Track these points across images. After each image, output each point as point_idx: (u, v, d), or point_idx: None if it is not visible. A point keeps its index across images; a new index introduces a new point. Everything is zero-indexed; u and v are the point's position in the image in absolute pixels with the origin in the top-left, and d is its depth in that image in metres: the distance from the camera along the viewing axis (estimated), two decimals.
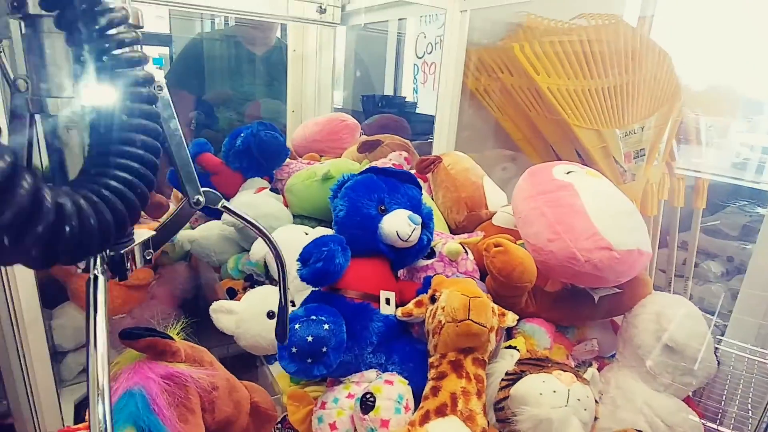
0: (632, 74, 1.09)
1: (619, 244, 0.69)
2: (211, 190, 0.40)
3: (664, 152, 1.18)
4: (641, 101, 1.11)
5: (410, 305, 0.69)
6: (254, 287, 0.95)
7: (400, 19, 2.12)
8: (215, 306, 0.80)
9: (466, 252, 0.82)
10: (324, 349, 0.60)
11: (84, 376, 1.09)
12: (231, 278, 1.03)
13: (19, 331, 0.86)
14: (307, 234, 0.90)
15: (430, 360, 0.65)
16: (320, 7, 1.45)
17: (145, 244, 0.36)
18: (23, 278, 0.83)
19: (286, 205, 1.10)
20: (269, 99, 1.72)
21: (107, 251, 0.32)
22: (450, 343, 0.62)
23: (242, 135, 1.13)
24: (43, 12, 0.27)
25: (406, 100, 1.96)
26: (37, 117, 0.31)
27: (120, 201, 0.27)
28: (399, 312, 0.69)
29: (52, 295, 1.05)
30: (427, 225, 0.75)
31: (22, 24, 0.28)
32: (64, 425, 0.96)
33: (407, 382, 0.64)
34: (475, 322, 0.61)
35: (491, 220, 0.95)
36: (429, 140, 1.59)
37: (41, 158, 0.34)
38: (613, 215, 0.72)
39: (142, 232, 0.36)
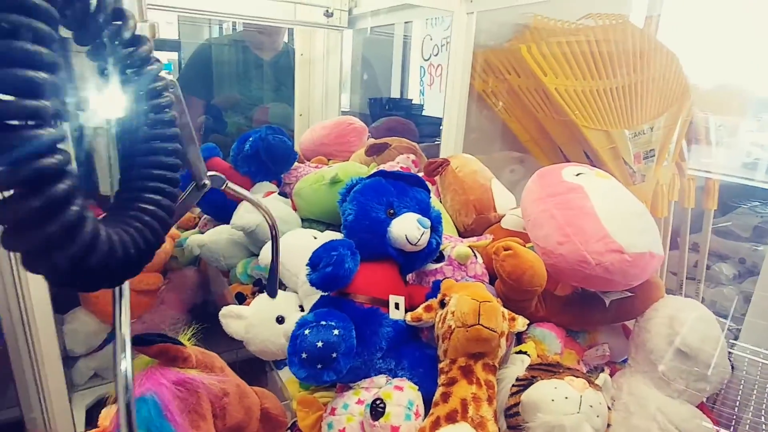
0: (641, 74, 1.08)
1: (631, 247, 0.68)
2: (216, 173, 0.43)
3: (674, 152, 1.17)
4: (650, 101, 1.10)
5: (419, 310, 0.68)
6: (263, 292, 0.95)
7: (406, 22, 2.13)
8: (224, 311, 0.81)
9: (475, 255, 0.81)
10: (334, 355, 0.60)
11: (95, 381, 1.11)
12: (240, 283, 1.03)
13: (32, 335, 0.87)
14: (315, 238, 0.90)
15: (440, 365, 0.64)
16: (327, 11, 1.46)
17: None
18: (36, 284, 0.84)
19: (295, 209, 1.10)
20: (277, 103, 1.73)
21: None
22: (460, 348, 0.62)
23: (251, 139, 1.14)
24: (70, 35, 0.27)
25: (413, 102, 1.96)
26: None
27: (155, 221, 0.28)
28: (408, 317, 0.69)
29: (63, 301, 1.07)
30: (436, 228, 0.75)
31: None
32: (75, 430, 0.96)
33: (417, 387, 0.63)
34: (486, 327, 0.61)
35: (500, 222, 0.94)
36: (436, 142, 1.59)
37: None
38: (624, 217, 0.72)
39: None
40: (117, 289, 0.35)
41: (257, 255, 1.01)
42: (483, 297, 0.64)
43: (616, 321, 0.81)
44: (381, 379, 0.66)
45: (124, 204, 0.31)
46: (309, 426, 0.66)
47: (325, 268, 0.65)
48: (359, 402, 0.64)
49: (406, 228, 0.71)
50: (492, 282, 0.79)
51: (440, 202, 1.05)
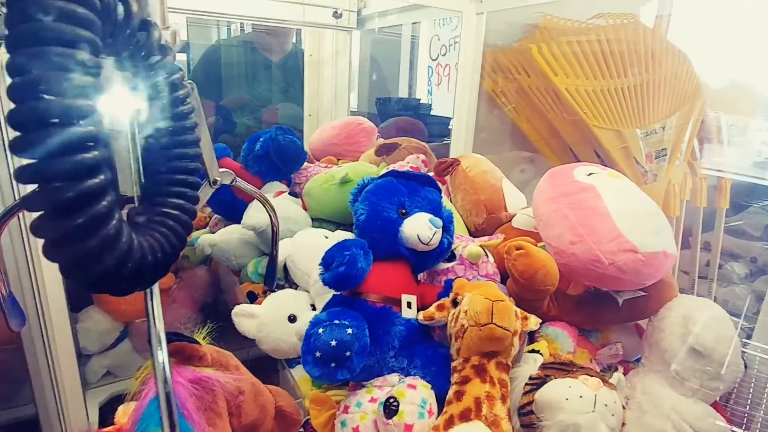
0: (652, 73, 1.08)
1: (644, 246, 0.68)
2: (225, 170, 0.46)
3: (685, 152, 1.16)
4: (662, 100, 1.09)
5: (432, 309, 0.69)
6: (274, 291, 0.95)
7: (413, 23, 2.13)
8: (237, 310, 0.81)
9: (487, 255, 0.81)
10: (348, 354, 0.60)
11: (108, 379, 1.12)
12: (251, 282, 1.04)
13: (48, 333, 0.88)
14: (327, 238, 0.91)
15: (453, 364, 0.65)
16: (336, 12, 1.46)
17: None
18: (52, 282, 0.85)
19: (305, 209, 1.11)
20: (286, 104, 1.74)
21: None
22: (473, 347, 0.62)
23: (261, 139, 1.14)
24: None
25: (421, 102, 1.96)
26: None
27: (180, 225, 0.29)
28: (421, 316, 0.69)
29: (76, 299, 1.08)
30: (447, 228, 0.75)
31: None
32: (89, 426, 0.97)
33: (430, 386, 0.64)
34: (499, 326, 0.61)
35: (511, 222, 0.94)
36: (444, 142, 1.59)
37: None
38: (637, 217, 0.71)
39: None
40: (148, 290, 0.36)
41: (268, 254, 1.01)
42: (496, 296, 0.64)
43: (629, 320, 0.80)
44: (394, 377, 0.66)
45: (150, 209, 0.32)
46: (322, 424, 0.67)
47: (338, 268, 0.66)
48: (372, 400, 0.64)
49: (418, 228, 0.71)
50: (504, 281, 0.79)
51: (450, 201, 1.05)
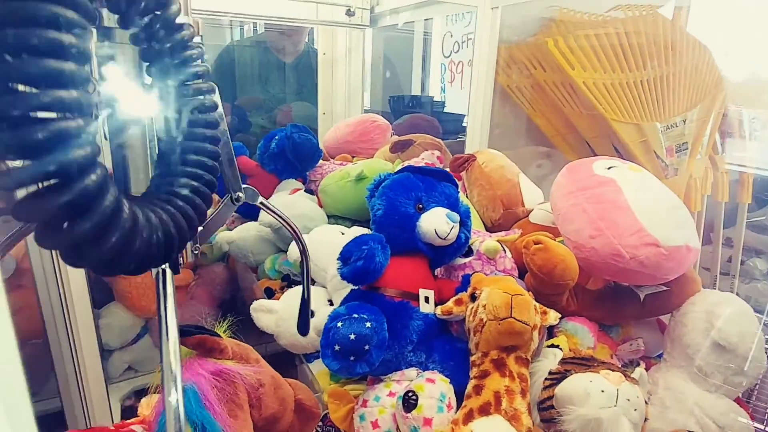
0: (672, 65, 1.06)
1: (667, 240, 0.67)
2: (249, 187, 0.43)
3: (707, 146, 1.14)
4: (682, 93, 1.07)
5: (450, 303, 0.68)
6: (291, 287, 0.96)
7: (426, 19, 2.12)
8: (255, 305, 0.82)
9: (504, 250, 0.81)
10: (366, 347, 0.60)
11: (129, 374, 1.14)
12: (268, 278, 1.05)
13: (72, 329, 0.91)
14: (343, 234, 0.91)
15: (472, 358, 0.64)
16: (349, 9, 1.47)
17: (193, 240, 0.38)
18: (75, 279, 0.87)
19: (320, 206, 1.11)
20: (300, 102, 1.75)
21: None
22: (492, 341, 0.62)
23: (276, 138, 1.15)
24: (116, 25, 0.28)
25: (434, 99, 1.96)
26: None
27: (191, 207, 0.28)
28: (439, 310, 0.69)
29: (98, 296, 1.10)
30: (464, 223, 0.75)
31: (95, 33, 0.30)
32: (112, 420, 1.00)
33: (449, 380, 0.64)
34: (518, 320, 0.60)
35: (528, 217, 0.93)
36: (458, 139, 1.58)
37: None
38: (659, 210, 0.70)
39: None
40: (160, 270, 0.34)
41: (285, 251, 1.02)
42: (515, 290, 0.63)
43: (650, 315, 0.79)
44: (412, 371, 0.67)
45: (162, 185, 0.31)
46: (341, 418, 0.67)
47: (356, 262, 0.66)
48: (391, 394, 0.64)
49: (436, 222, 0.71)
50: (521, 276, 0.78)
51: (466, 197, 1.05)
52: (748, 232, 1.32)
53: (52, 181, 0.20)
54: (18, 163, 0.19)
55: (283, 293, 0.90)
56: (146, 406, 0.60)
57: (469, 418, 0.58)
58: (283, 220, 0.50)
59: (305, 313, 0.56)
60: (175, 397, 0.31)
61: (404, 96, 1.91)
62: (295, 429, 0.63)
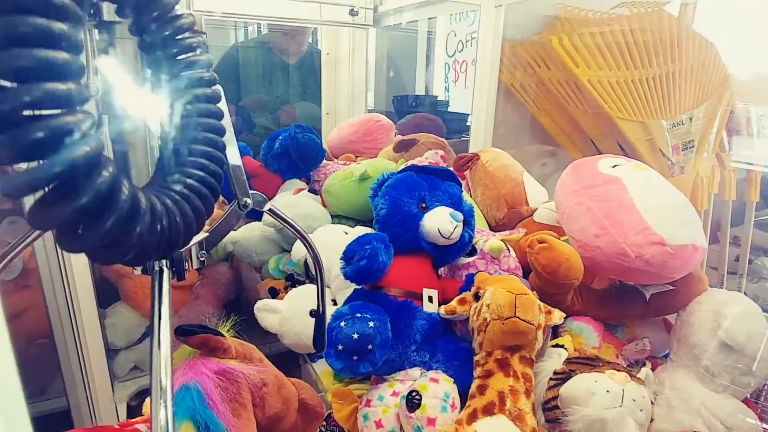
0: (678, 63, 1.05)
1: (673, 239, 0.66)
2: (258, 192, 0.42)
3: (714, 143, 1.12)
4: (688, 91, 1.06)
5: (453, 303, 0.68)
6: (295, 287, 0.96)
7: (429, 18, 2.12)
8: (259, 305, 0.82)
9: (508, 249, 0.80)
10: (370, 347, 0.60)
11: (135, 373, 1.15)
12: (272, 278, 1.05)
13: (78, 329, 0.91)
14: (346, 233, 0.91)
15: (476, 358, 0.64)
16: (352, 9, 1.47)
17: (199, 245, 0.38)
18: (81, 279, 0.88)
19: (324, 206, 1.11)
20: (304, 102, 1.76)
21: None
22: (496, 340, 0.61)
23: (280, 138, 1.16)
24: (116, 19, 0.28)
25: (438, 99, 1.95)
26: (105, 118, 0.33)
27: (197, 197, 0.28)
28: (442, 310, 0.69)
29: (104, 296, 1.11)
30: (468, 222, 0.75)
31: (95, 32, 0.30)
32: (118, 419, 1.00)
33: (452, 380, 0.63)
34: (522, 320, 0.60)
35: (532, 216, 0.93)
36: (462, 138, 1.57)
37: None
38: (665, 209, 0.70)
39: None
40: (156, 269, 0.33)
41: (289, 251, 1.02)
42: (519, 289, 0.63)
43: (656, 315, 0.78)
44: (416, 371, 0.66)
45: (166, 177, 0.29)
46: (344, 417, 0.67)
47: (359, 262, 0.66)
48: (394, 394, 0.64)
49: (439, 221, 0.71)
50: (526, 276, 0.78)
51: (470, 196, 1.04)
52: (756, 230, 1.30)
53: (63, 184, 0.18)
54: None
55: (286, 293, 0.90)
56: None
57: (473, 418, 0.58)
58: (294, 228, 0.47)
59: (321, 327, 0.53)
60: (164, 415, 0.29)
61: (408, 96, 1.91)
62: (299, 428, 0.63)
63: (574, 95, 1.14)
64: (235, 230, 1.17)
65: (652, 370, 0.72)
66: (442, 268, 0.80)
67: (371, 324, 0.61)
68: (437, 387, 0.60)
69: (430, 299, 0.70)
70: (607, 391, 0.55)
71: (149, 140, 0.32)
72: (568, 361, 0.63)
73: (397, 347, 0.66)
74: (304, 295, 0.84)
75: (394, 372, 0.67)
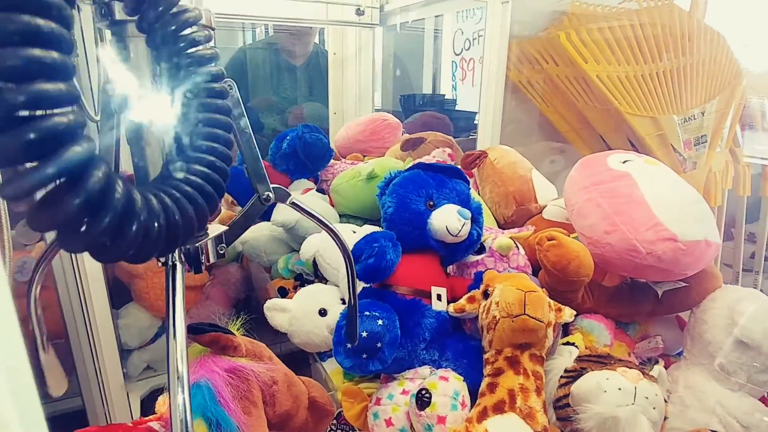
0: (689, 56, 1.03)
1: (685, 235, 0.65)
2: (279, 186, 0.40)
3: (727, 138, 1.11)
4: (700, 85, 1.04)
5: (462, 301, 0.68)
6: (304, 286, 0.97)
7: (436, 16, 2.11)
8: (269, 304, 0.83)
9: (517, 247, 0.80)
10: (379, 345, 0.60)
11: (148, 373, 1.16)
12: (281, 278, 1.06)
13: (92, 329, 0.93)
14: (354, 232, 0.91)
15: (485, 356, 0.64)
16: (359, 9, 1.47)
17: (218, 239, 0.38)
18: (94, 280, 0.89)
19: (332, 205, 1.12)
20: (311, 103, 1.76)
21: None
22: (506, 338, 0.61)
23: (288, 138, 1.16)
24: (127, 18, 0.29)
25: (446, 97, 1.95)
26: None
27: (200, 194, 0.28)
28: (451, 308, 0.69)
29: (117, 296, 1.12)
30: (476, 220, 0.74)
31: (107, 32, 0.30)
32: (132, 417, 1.01)
33: (462, 378, 0.63)
34: (532, 317, 0.60)
35: (541, 213, 0.92)
36: (470, 137, 1.57)
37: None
38: (677, 204, 0.69)
39: (215, 227, 0.37)
40: (169, 264, 0.33)
41: (297, 250, 1.03)
42: (528, 287, 0.63)
43: (669, 312, 0.77)
44: (425, 369, 0.66)
45: (169, 174, 0.29)
46: (355, 416, 0.67)
47: (367, 260, 0.66)
48: (404, 392, 0.64)
49: (447, 219, 0.71)
50: (535, 274, 0.77)
51: (478, 195, 1.04)
52: None
53: (57, 185, 0.19)
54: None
55: (296, 292, 0.90)
56: (164, 404, 0.61)
57: (483, 416, 0.57)
58: (319, 220, 0.47)
59: (352, 319, 0.51)
60: (182, 398, 0.30)
61: (415, 94, 1.91)
62: (309, 426, 0.63)
63: (582, 91, 1.13)
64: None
65: (665, 368, 0.71)
66: (451, 267, 0.80)
67: (380, 322, 0.61)
68: (447, 385, 0.60)
69: (439, 297, 0.70)
70: (619, 389, 0.54)
71: (161, 137, 0.32)
72: (580, 359, 0.63)
73: (407, 345, 0.66)
74: (314, 295, 0.84)
75: (404, 370, 0.67)
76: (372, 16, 1.51)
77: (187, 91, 0.29)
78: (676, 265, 0.67)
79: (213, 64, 0.30)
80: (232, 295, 1.21)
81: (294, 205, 0.41)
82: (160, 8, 0.26)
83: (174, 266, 0.32)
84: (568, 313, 0.66)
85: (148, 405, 1.07)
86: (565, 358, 0.65)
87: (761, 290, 1.24)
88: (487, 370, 0.62)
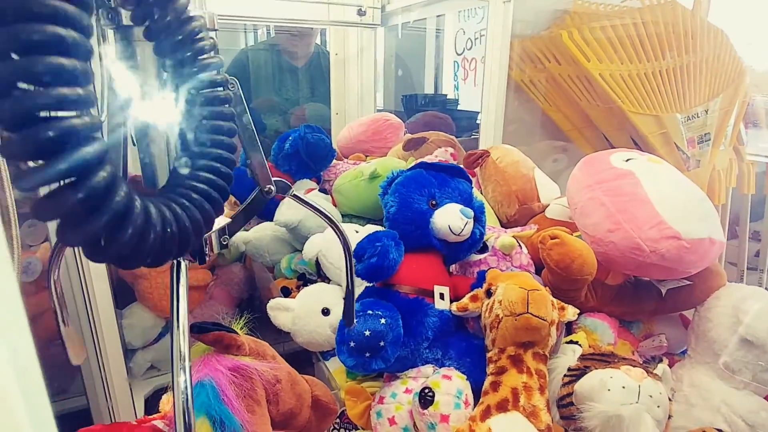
0: (692, 54, 1.03)
1: (689, 233, 0.65)
2: (281, 179, 0.42)
3: (731, 136, 1.10)
4: (703, 82, 1.04)
5: (465, 300, 0.68)
6: (307, 285, 0.97)
7: (438, 16, 2.11)
8: (272, 303, 0.83)
9: (520, 246, 0.80)
10: (382, 343, 0.60)
11: (151, 373, 1.17)
12: (284, 277, 1.06)
13: (96, 329, 0.93)
14: (357, 232, 0.91)
15: (489, 355, 0.64)
16: (360, 9, 1.47)
17: (221, 231, 0.38)
18: (99, 280, 0.89)
19: (335, 205, 1.12)
20: (313, 103, 1.77)
21: None
22: (509, 337, 0.61)
23: (290, 138, 1.16)
24: (134, 24, 0.29)
25: (448, 97, 1.95)
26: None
27: (206, 200, 0.28)
28: (454, 307, 0.69)
29: (120, 296, 1.13)
30: (479, 219, 0.74)
31: (113, 35, 0.31)
32: (136, 416, 1.02)
33: (465, 377, 0.63)
34: (535, 316, 0.59)
35: (544, 212, 0.92)
36: (472, 137, 1.57)
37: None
38: (680, 202, 0.68)
39: (219, 219, 0.38)
40: (174, 272, 0.35)
41: (300, 250, 1.03)
42: (531, 285, 0.62)
43: (673, 311, 0.77)
44: (428, 368, 0.66)
45: (177, 182, 0.30)
46: (358, 415, 0.67)
47: (370, 259, 0.66)
48: (407, 391, 0.64)
49: (449, 218, 0.71)
50: (538, 273, 0.77)
51: (481, 193, 1.04)
52: None
53: (66, 180, 0.20)
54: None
55: (299, 292, 0.90)
56: (168, 403, 0.61)
57: (486, 414, 0.57)
58: (318, 210, 0.49)
59: (350, 303, 0.53)
60: (184, 379, 0.31)
61: (417, 94, 1.91)
62: (313, 425, 0.64)
63: (585, 90, 1.12)
64: (247, 230, 1.18)
65: (670, 366, 0.71)
66: (454, 266, 0.80)
67: (383, 321, 0.61)
68: (450, 384, 0.60)
69: (442, 296, 0.70)
70: (623, 387, 0.54)
71: (166, 140, 0.33)
72: (583, 357, 0.63)
73: (410, 344, 0.66)
74: (316, 294, 0.84)
75: (407, 369, 0.67)
76: (373, 17, 1.51)
77: (192, 97, 0.29)
78: (679, 264, 0.67)
79: (217, 72, 0.30)
80: (235, 294, 1.22)
81: (295, 197, 0.44)
82: (168, 18, 0.27)
83: (179, 263, 0.32)
84: (571, 312, 0.65)
85: (151, 405, 1.07)
86: (569, 356, 0.65)
87: (766, 288, 1.24)
88: (491, 368, 0.62)
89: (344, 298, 0.52)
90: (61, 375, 1.16)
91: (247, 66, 1.75)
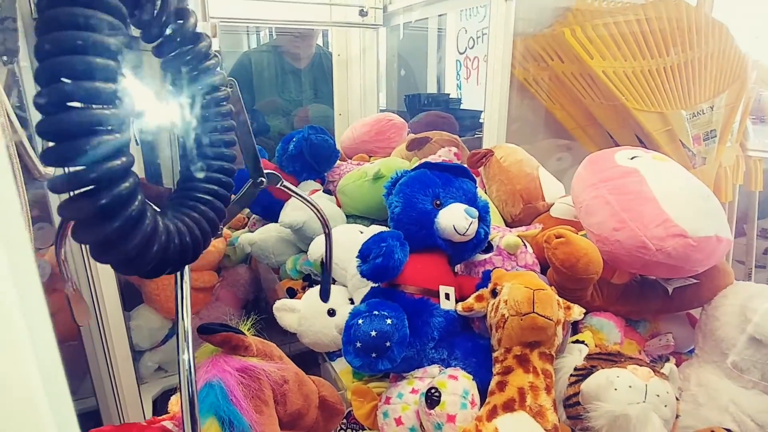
0: (696, 50, 1.02)
1: (695, 231, 0.65)
2: (272, 171, 0.46)
3: (737, 133, 1.09)
4: (709, 79, 1.03)
5: (471, 300, 0.68)
6: (312, 286, 0.97)
7: (439, 16, 2.11)
8: (278, 304, 0.83)
9: (525, 245, 0.80)
10: (388, 344, 0.61)
11: (159, 374, 1.17)
12: (290, 278, 1.07)
13: (105, 331, 0.94)
14: (362, 232, 0.92)
15: (495, 355, 0.64)
16: (362, 10, 1.47)
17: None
18: (107, 283, 0.90)
19: (339, 206, 1.12)
20: (316, 104, 1.77)
21: None
22: (515, 337, 0.61)
23: (294, 140, 1.17)
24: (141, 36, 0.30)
25: (450, 96, 1.94)
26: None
27: (211, 210, 0.30)
28: (460, 307, 0.69)
29: (128, 298, 1.14)
30: (483, 218, 0.74)
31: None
32: (144, 417, 1.03)
33: (471, 377, 0.63)
34: (541, 315, 0.59)
35: (549, 211, 0.92)
36: (476, 136, 1.56)
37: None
38: (686, 200, 0.68)
39: None
40: (179, 276, 0.37)
41: (305, 251, 1.03)
42: (537, 285, 0.62)
43: (680, 309, 0.77)
44: (434, 368, 0.66)
45: (181, 197, 0.33)
46: (364, 415, 0.67)
47: (375, 259, 0.66)
48: (413, 391, 0.64)
49: (454, 218, 0.71)
50: (544, 272, 0.77)
51: (485, 193, 1.04)
52: None
53: (91, 187, 0.23)
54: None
55: (304, 293, 0.91)
56: (176, 403, 0.62)
57: (493, 414, 0.57)
58: (303, 198, 0.55)
59: (326, 277, 0.61)
60: (187, 356, 0.34)
61: (420, 94, 1.91)
62: (320, 425, 0.64)
63: (589, 87, 1.12)
64: (251, 232, 1.19)
65: (677, 365, 0.70)
66: (459, 266, 0.80)
67: (389, 321, 0.61)
68: (456, 384, 0.60)
69: (447, 296, 0.70)
70: (630, 387, 0.54)
71: (171, 145, 0.34)
72: (589, 357, 0.62)
73: (416, 344, 0.66)
74: None
75: (413, 369, 0.67)
76: (375, 17, 1.51)
77: (195, 112, 0.31)
78: (686, 262, 0.66)
79: (218, 89, 0.31)
80: (241, 296, 1.22)
81: (284, 187, 0.47)
82: (178, 39, 0.27)
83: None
84: (577, 311, 0.65)
85: (160, 406, 1.08)
86: (575, 356, 0.64)
87: None
88: (497, 368, 0.62)
89: (321, 275, 0.59)
90: (71, 376, 1.17)
91: (249, 68, 1.75)
